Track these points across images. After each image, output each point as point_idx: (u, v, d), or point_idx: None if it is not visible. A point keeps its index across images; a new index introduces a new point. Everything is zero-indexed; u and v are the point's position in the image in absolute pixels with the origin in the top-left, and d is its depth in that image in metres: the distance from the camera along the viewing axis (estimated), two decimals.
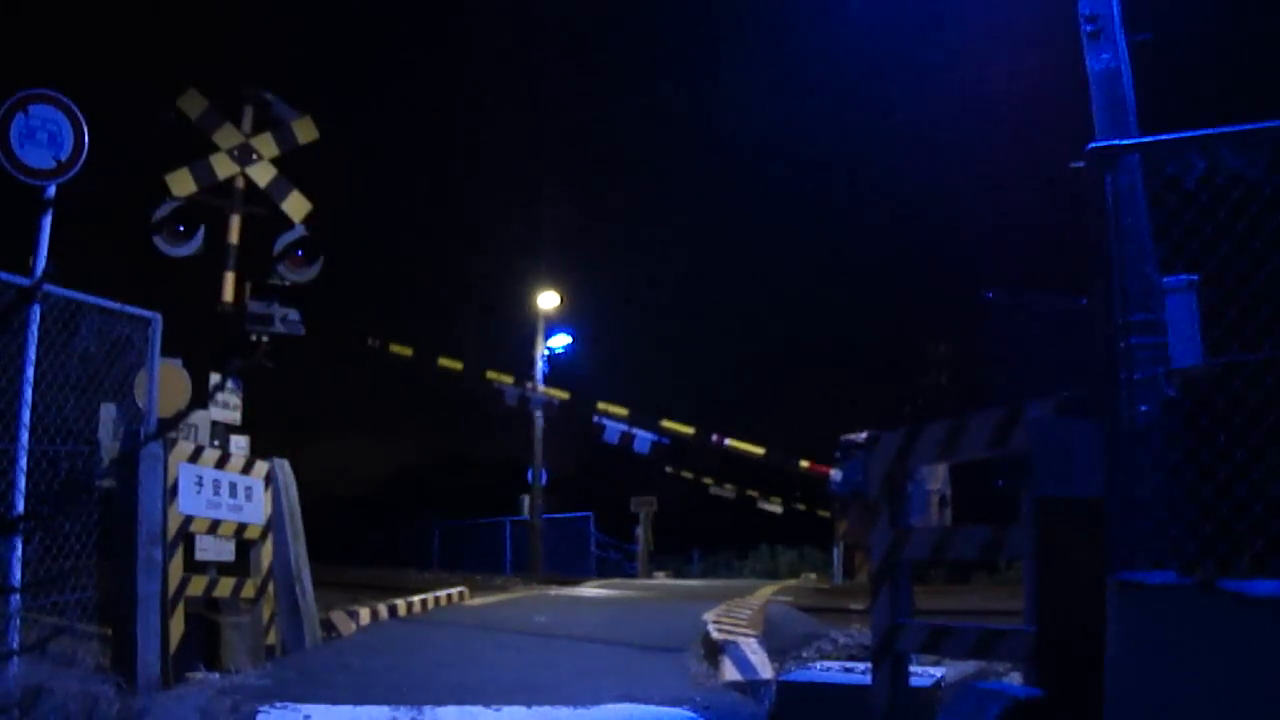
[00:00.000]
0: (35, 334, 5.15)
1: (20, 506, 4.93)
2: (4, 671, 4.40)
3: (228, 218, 8.84)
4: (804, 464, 17.93)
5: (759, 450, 18.15)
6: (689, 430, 18.36)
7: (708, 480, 24.70)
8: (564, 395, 20.65)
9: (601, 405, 19.09)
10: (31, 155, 5.40)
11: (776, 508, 24.43)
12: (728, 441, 18.11)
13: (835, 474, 16.55)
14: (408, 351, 18.46)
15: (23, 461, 5.02)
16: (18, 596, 4.81)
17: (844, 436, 15.43)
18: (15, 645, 4.58)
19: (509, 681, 5.83)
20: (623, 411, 18.69)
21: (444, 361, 18.43)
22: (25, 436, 5.05)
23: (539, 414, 23.55)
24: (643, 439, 18.40)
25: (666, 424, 18.56)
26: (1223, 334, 3.11)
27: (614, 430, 18.58)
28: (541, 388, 21.21)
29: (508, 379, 19.69)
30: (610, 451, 19.47)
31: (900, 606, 4.11)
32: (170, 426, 5.49)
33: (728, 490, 24.28)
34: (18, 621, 4.78)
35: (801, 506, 24.14)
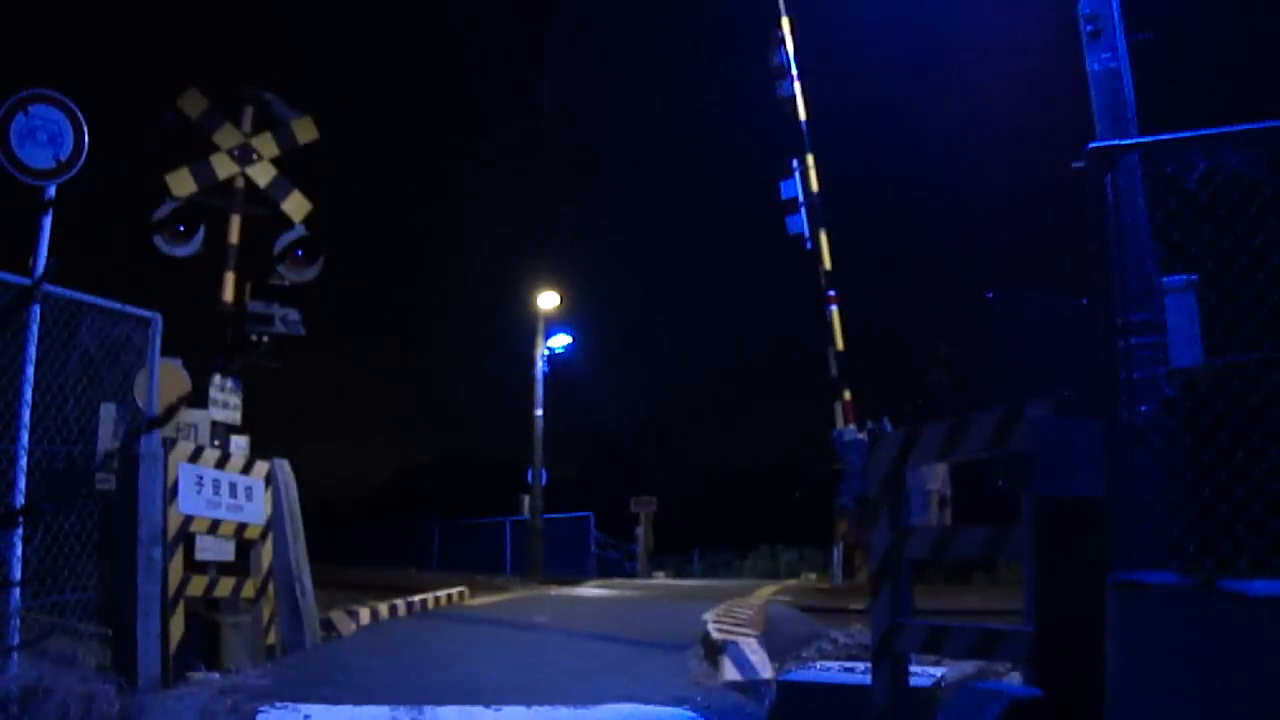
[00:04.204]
0: (35, 334, 5.15)
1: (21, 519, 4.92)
2: (4, 671, 4.40)
3: (228, 218, 8.84)
4: (846, 395, 17.51)
5: (841, 344, 17.56)
6: (828, 264, 17.68)
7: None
8: None
9: (810, 159, 18.17)
10: (32, 155, 5.40)
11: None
12: (834, 308, 17.62)
13: (846, 431, 16.28)
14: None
15: (23, 461, 5.02)
16: (18, 594, 4.81)
17: (885, 420, 14.54)
18: (16, 644, 4.58)
19: (509, 681, 5.83)
20: (814, 185, 18.02)
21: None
22: (25, 436, 5.04)
23: (539, 413, 23.56)
24: (797, 220, 17.90)
25: (823, 241, 17.86)
26: (1223, 334, 3.10)
27: (791, 185, 18.05)
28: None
29: None
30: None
31: (900, 606, 4.11)
32: (163, 423, 5.46)
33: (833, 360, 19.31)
34: (18, 621, 4.78)
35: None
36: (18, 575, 4.78)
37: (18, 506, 4.88)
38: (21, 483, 4.99)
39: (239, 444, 8.31)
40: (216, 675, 5.85)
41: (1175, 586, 2.68)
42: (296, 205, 8.92)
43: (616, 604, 13.15)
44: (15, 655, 4.56)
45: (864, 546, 13.93)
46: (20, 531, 4.82)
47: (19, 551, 4.88)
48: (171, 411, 5.57)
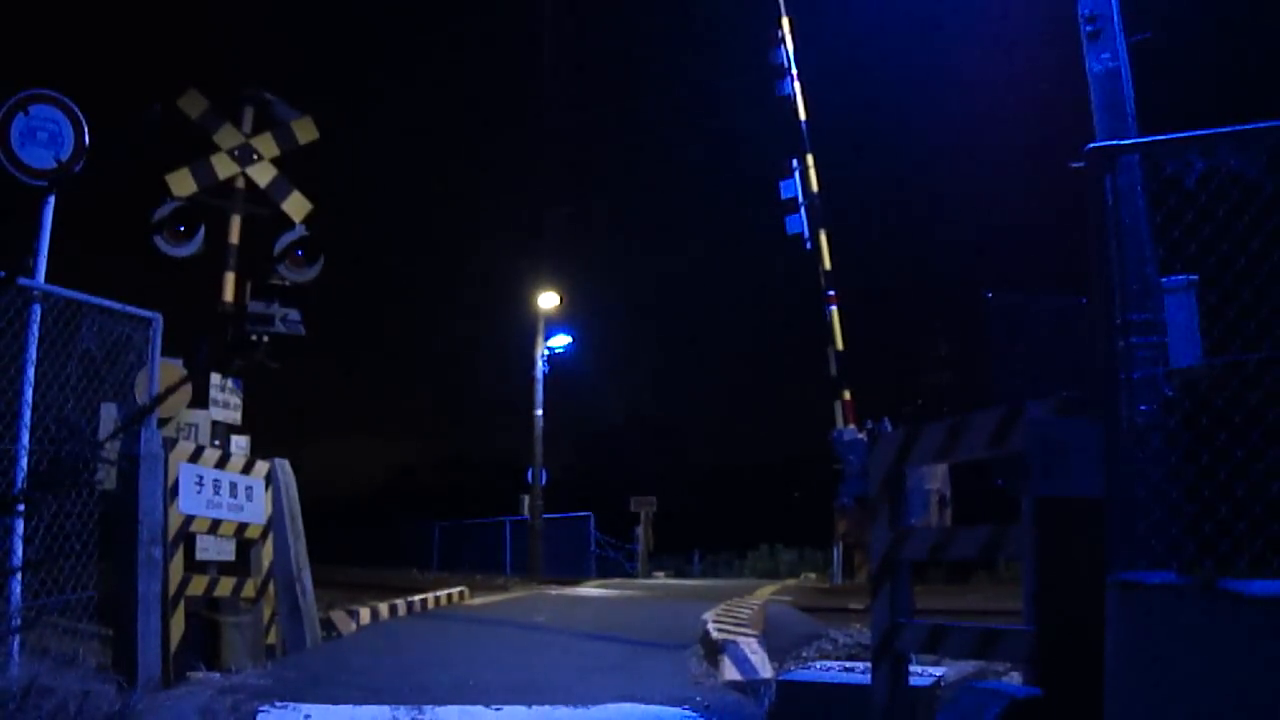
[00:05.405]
0: (35, 334, 5.16)
1: (20, 507, 4.93)
2: (5, 670, 4.40)
3: (228, 218, 8.84)
4: (846, 395, 17.59)
5: (841, 344, 17.67)
6: (828, 264, 17.87)
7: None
8: None
9: (809, 159, 18.36)
10: (32, 155, 5.41)
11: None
12: (834, 308, 17.74)
13: (846, 431, 16.29)
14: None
15: (23, 462, 5.02)
16: (19, 592, 4.81)
17: (885, 421, 14.44)
18: (15, 642, 4.59)
19: (509, 681, 5.83)
20: (814, 186, 18.17)
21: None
22: (26, 437, 5.05)
23: (539, 413, 23.58)
24: (797, 220, 18.07)
25: (823, 241, 17.98)
26: (1222, 334, 3.11)
27: (791, 185, 18.18)
28: None
29: None
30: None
31: (900, 606, 4.11)
32: (148, 412, 5.43)
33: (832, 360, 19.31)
34: (18, 621, 4.78)
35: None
36: (18, 562, 4.78)
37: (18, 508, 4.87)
38: (21, 483, 4.99)
39: (239, 444, 8.31)
40: (217, 675, 5.85)
41: (1175, 586, 2.68)
42: (296, 205, 8.92)
43: (616, 604, 13.15)
44: (15, 654, 4.56)
45: (864, 546, 13.94)
46: (20, 522, 4.82)
47: (18, 548, 4.88)
48: (159, 400, 5.53)
